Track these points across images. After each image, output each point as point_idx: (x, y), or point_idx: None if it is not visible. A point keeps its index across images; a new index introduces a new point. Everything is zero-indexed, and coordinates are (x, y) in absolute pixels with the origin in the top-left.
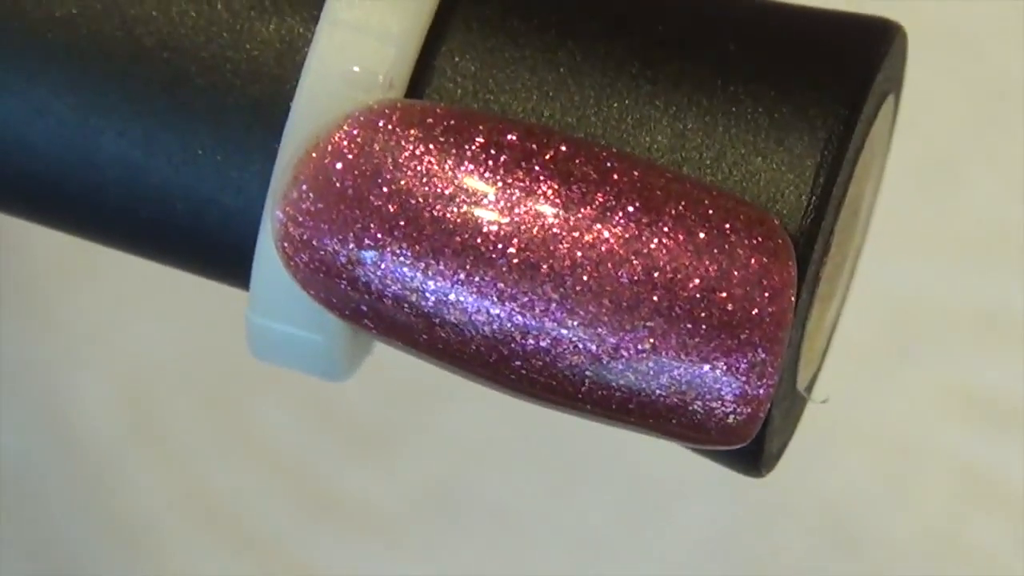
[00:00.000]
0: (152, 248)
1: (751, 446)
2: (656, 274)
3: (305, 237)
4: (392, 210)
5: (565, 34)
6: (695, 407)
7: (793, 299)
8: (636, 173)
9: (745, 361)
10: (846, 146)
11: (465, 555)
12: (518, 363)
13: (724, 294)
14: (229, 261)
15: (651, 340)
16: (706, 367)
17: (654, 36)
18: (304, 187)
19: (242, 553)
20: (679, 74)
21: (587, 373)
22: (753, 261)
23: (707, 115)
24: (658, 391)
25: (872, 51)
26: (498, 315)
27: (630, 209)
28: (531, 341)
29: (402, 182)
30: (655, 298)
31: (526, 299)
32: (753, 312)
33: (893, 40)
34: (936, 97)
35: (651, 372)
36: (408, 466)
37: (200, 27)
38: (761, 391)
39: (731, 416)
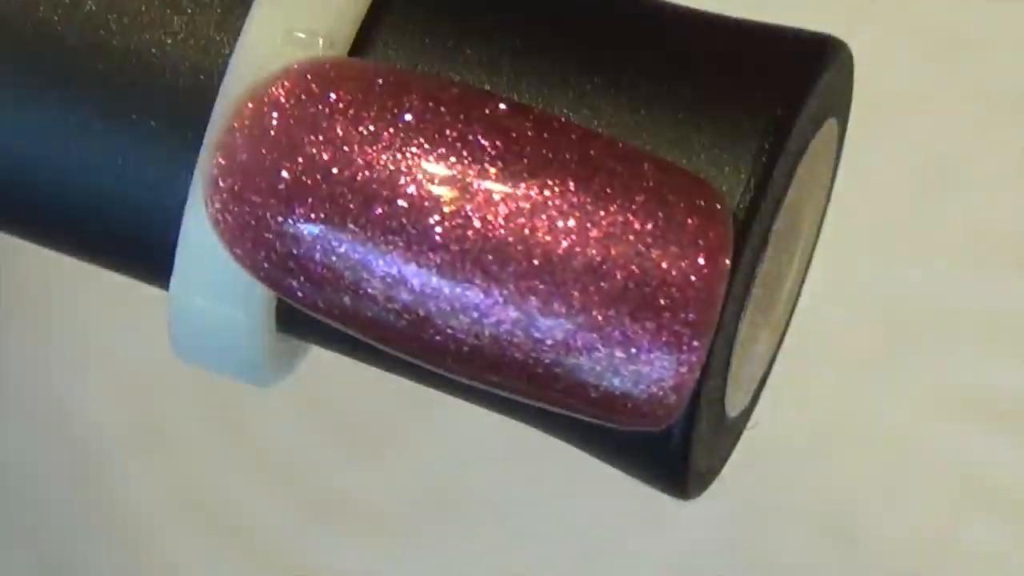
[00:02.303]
0: (76, 232)
1: (676, 458)
2: (591, 231)
3: (236, 188)
4: (326, 159)
5: (510, 19)
6: (621, 372)
7: (728, 263)
8: (574, 136)
9: (676, 323)
10: (788, 132)
11: (465, 555)
12: (439, 323)
13: (658, 252)
14: (156, 239)
15: (579, 296)
16: (636, 327)
17: (596, 37)
18: (238, 136)
19: (242, 553)
20: (619, 63)
21: (510, 330)
22: (690, 221)
23: (645, 106)
24: (582, 355)
25: (819, 56)
26: (424, 274)
27: (569, 167)
28: (456, 304)
29: (338, 130)
30: (588, 254)
31: (450, 261)
32: (688, 274)
33: (837, 54)
34: (936, 98)
35: (576, 331)
36: (408, 466)
37: None
38: (693, 356)
39: (658, 384)
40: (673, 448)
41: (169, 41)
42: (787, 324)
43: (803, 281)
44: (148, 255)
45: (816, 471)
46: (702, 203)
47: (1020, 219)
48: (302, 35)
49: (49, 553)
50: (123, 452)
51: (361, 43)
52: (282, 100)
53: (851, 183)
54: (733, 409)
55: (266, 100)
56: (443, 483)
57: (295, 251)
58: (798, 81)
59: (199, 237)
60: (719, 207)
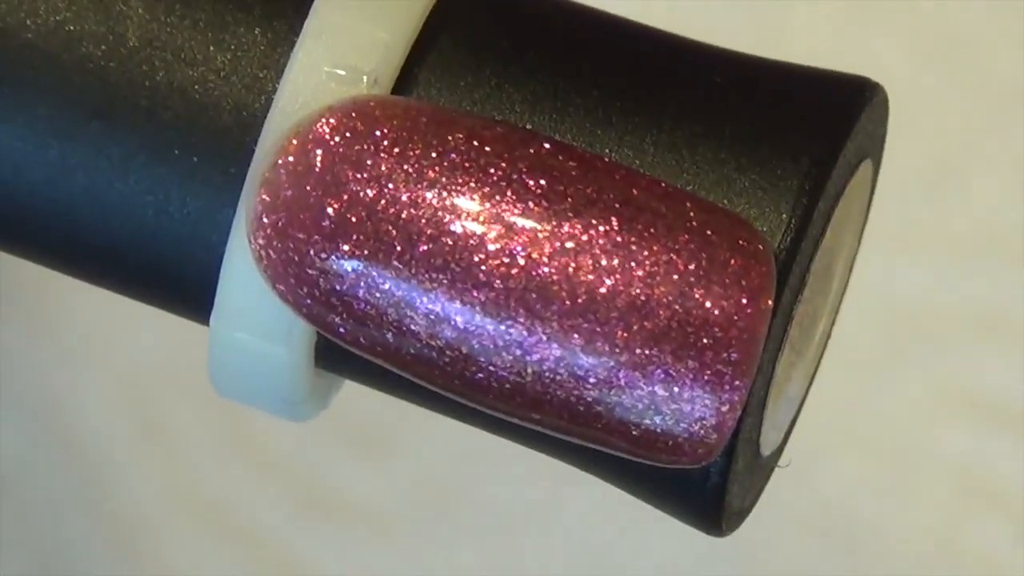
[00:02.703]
0: (116, 266)
1: (714, 496)
2: (635, 271)
3: (280, 224)
4: (371, 196)
5: (553, 59)
6: (663, 410)
7: (771, 303)
8: (618, 176)
9: (719, 362)
10: (828, 174)
11: (463, 555)
12: (482, 360)
13: (701, 292)
14: (196, 274)
15: (622, 335)
16: (678, 366)
17: (638, 78)
18: (283, 173)
19: (242, 553)
20: (660, 104)
21: (553, 368)
22: (733, 261)
23: (687, 146)
24: (624, 393)
25: (857, 99)
26: (468, 312)
27: (612, 207)
28: (499, 342)
29: (383, 167)
30: (632, 293)
31: (495, 299)
32: (731, 313)
33: (874, 97)
34: (936, 98)
35: (618, 369)
36: (407, 466)
37: (185, 27)
38: (735, 396)
39: (699, 423)
40: (711, 487)
41: (212, 78)
42: (818, 365)
43: (834, 322)
44: (188, 290)
45: (817, 471)
46: (744, 243)
47: (1020, 219)
48: (347, 73)
49: (49, 553)
50: (123, 452)
51: (404, 81)
52: (327, 137)
53: None
54: (766, 448)
55: (311, 137)
56: (443, 483)
57: (338, 288)
58: (838, 123)
59: (241, 273)
60: (761, 247)
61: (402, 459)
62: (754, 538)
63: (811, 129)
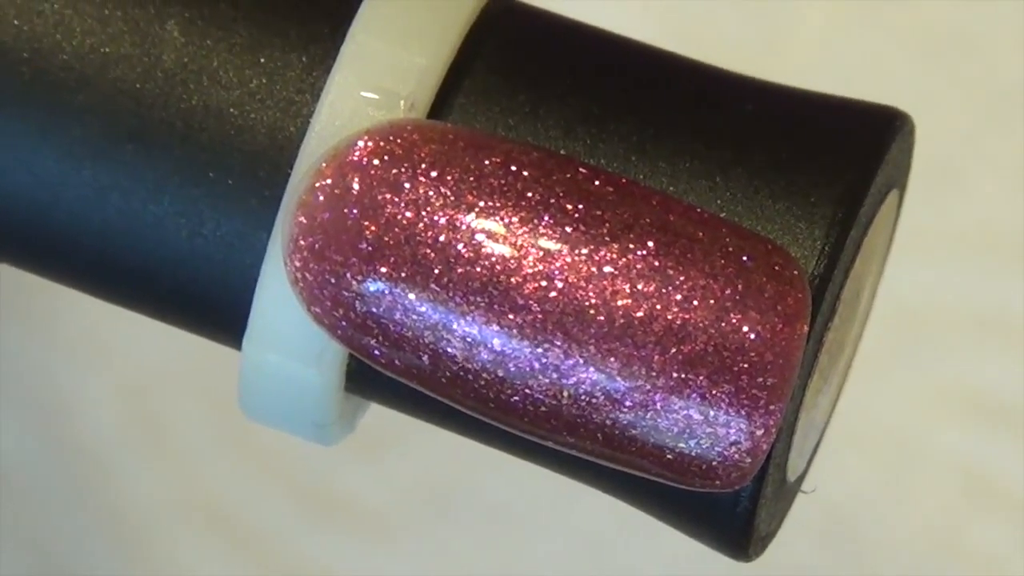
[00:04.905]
0: (148, 289)
1: (743, 521)
2: (672, 295)
3: (317, 247)
4: (409, 219)
5: (586, 86)
6: (698, 434)
7: (806, 328)
8: (654, 201)
9: (755, 387)
10: (861, 202)
11: (464, 555)
12: (518, 384)
13: (738, 317)
14: (229, 297)
15: (659, 359)
16: (714, 390)
17: (671, 105)
18: (320, 196)
19: (241, 553)
20: (693, 131)
21: (589, 392)
22: (768, 287)
23: (721, 173)
24: (660, 417)
25: (888, 128)
26: (505, 335)
27: (649, 231)
28: (536, 365)
29: (420, 191)
30: (668, 318)
31: (532, 322)
32: (767, 338)
33: (904, 126)
34: (936, 97)
35: (654, 393)
36: (407, 466)
37: (220, 50)
38: (770, 420)
39: (734, 447)
40: (740, 511)
41: (248, 101)
42: (840, 392)
43: (856, 350)
44: (220, 313)
45: (816, 471)
46: (780, 269)
47: (1020, 219)
48: (383, 97)
49: (49, 553)
50: (123, 452)
51: (440, 106)
52: (364, 161)
53: None
54: (792, 474)
55: (348, 160)
56: (443, 483)
57: (375, 310)
58: (870, 152)
59: (275, 295)
60: (796, 273)
61: (402, 459)
62: None
63: (844, 158)
